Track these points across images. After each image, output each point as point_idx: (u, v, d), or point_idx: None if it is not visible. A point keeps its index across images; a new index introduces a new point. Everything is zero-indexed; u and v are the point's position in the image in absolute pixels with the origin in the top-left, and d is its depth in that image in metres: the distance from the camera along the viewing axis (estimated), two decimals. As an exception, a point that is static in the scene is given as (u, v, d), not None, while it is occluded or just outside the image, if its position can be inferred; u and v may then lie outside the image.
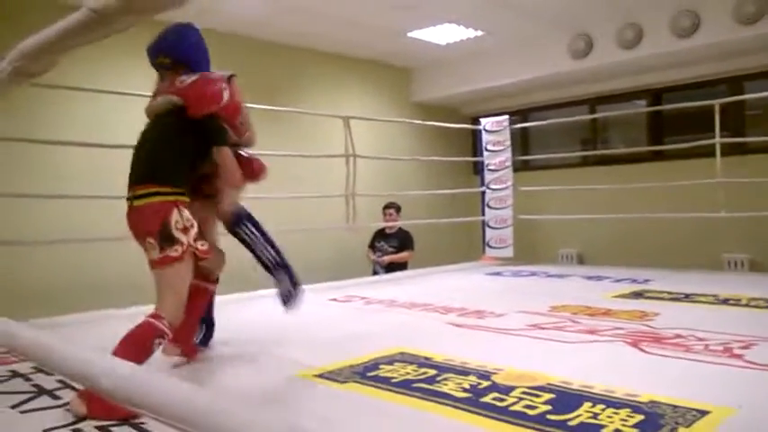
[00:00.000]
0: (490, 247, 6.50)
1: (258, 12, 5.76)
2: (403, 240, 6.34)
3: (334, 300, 4.30)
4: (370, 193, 6.17)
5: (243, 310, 3.82)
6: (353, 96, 7.54)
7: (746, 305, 3.64)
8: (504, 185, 6.49)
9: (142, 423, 1.82)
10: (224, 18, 5.86)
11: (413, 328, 3.29)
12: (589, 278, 5.12)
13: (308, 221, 6.19)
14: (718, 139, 5.17)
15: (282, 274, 2.67)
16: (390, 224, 6.32)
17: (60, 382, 2.24)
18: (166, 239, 2.29)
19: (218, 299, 2.94)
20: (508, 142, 6.57)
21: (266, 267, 2.68)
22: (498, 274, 5.62)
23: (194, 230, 2.36)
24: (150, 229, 2.29)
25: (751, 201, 5.50)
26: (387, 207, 6.34)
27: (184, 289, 2.36)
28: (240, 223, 2.64)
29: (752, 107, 6.41)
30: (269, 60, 6.75)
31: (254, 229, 2.64)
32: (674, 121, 7.07)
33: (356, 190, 5.20)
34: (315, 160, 6.45)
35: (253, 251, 2.66)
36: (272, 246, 2.67)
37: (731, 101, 5.81)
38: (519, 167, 7.20)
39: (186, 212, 2.35)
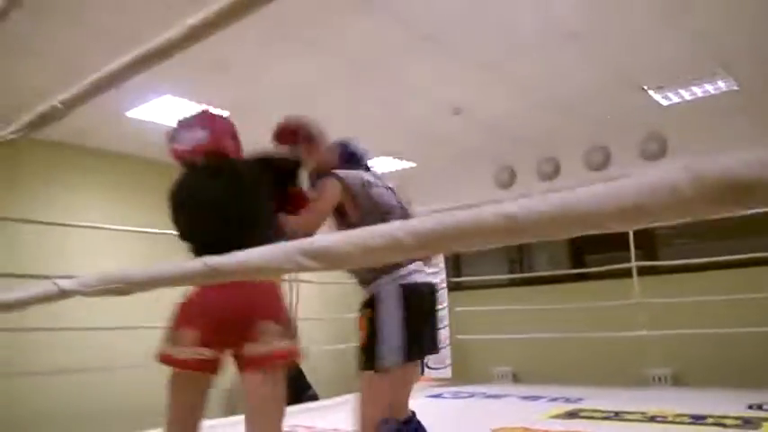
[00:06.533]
0: (429, 368, 6.60)
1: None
2: None
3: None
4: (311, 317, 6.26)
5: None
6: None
7: (672, 422, 3.88)
8: (440, 306, 6.71)
9: None
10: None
11: (361, 458, 3.32)
12: (525, 398, 5.29)
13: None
14: (633, 263, 5.65)
15: None
16: None
17: None
18: (291, 325, 1.87)
19: None
20: (442, 264, 6.87)
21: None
22: (439, 396, 5.71)
23: None
24: (273, 311, 1.84)
25: (668, 318, 5.92)
26: None
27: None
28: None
29: (662, 227, 7.02)
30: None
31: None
32: (592, 239, 7.61)
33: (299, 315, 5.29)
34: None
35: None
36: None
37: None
38: (452, 288, 7.47)
39: None
